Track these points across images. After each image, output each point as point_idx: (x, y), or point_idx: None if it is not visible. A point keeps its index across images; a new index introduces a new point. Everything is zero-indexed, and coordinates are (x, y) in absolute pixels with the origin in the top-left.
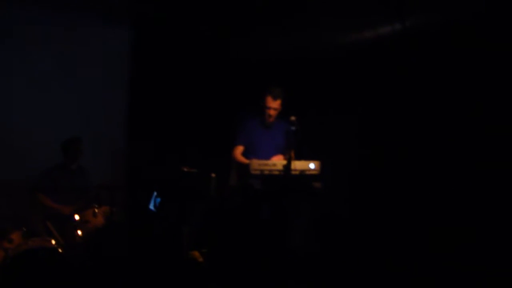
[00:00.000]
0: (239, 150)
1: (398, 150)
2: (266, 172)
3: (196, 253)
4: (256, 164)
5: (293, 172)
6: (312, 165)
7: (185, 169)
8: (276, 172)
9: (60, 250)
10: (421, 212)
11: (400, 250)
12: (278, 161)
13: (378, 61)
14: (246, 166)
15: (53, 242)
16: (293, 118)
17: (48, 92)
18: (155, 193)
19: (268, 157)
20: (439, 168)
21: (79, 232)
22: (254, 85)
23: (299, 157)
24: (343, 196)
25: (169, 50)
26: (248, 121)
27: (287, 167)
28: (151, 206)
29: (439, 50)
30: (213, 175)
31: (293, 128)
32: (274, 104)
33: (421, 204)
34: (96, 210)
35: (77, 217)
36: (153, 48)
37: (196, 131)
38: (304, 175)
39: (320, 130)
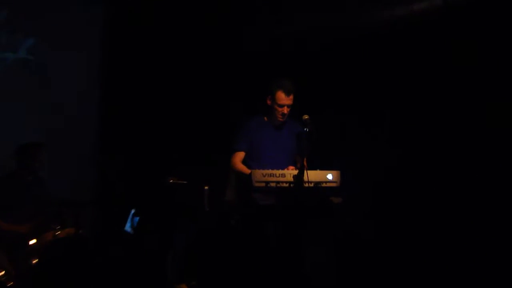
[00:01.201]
0: (238, 157)
1: (435, 156)
2: (272, 185)
3: (184, 287)
4: (260, 175)
5: (306, 185)
6: (330, 176)
7: (172, 181)
8: (285, 185)
9: (9, 284)
10: (459, 231)
11: (433, 277)
12: (287, 171)
13: (412, 45)
14: (248, 177)
15: (2, 273)
16: (306, 117)
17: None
18: (132, 211)
19: (275, 165)
20: (484, 178)
21: (35, 261)
22: (253, 76)
23: (313, 166)
24: (368, 213)
25: (148, 40)
26: (251, 120)
27: (298, 178)
28: (128, 228)
29: (488, 30)
30: (206, 187)
31: (306, 129)
32: (287, 100)
33: (459, 221)
34: (58, 232)
35: (33, 241)
36: (129, 38)
37: (184, 134)
38: (320, 188)
39: (340, 132)
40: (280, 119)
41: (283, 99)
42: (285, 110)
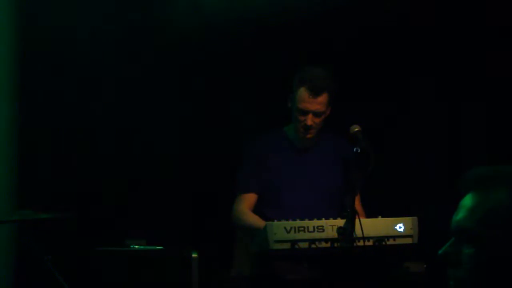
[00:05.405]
0: (246, 202)
1: None
2: (303, 246)
3: None
4: (281, 229)
5: (361, 243)
6: (400, 226)
7: (134, 245)
8: (325, 245)
9: None
10: None
11: None
12: (327, 222)
13: None
14: (262, 234)
15: None
16: (356, 129)
17: None
18: None
19: (306, 213)
20: None
21: None
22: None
23: (372, 211)
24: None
25: None
26: (265, 139)
27: (347, 232)
28: None
29: None
30: (194, 255)
31: (356, 149)
32: (313, 105)
33: None
34: None
35: None
36: None
37: (149, 166)
38: (385, 247)
39: (413, 149)
40: (303, 135)
41: (307, 101)
42: (310, 120)
